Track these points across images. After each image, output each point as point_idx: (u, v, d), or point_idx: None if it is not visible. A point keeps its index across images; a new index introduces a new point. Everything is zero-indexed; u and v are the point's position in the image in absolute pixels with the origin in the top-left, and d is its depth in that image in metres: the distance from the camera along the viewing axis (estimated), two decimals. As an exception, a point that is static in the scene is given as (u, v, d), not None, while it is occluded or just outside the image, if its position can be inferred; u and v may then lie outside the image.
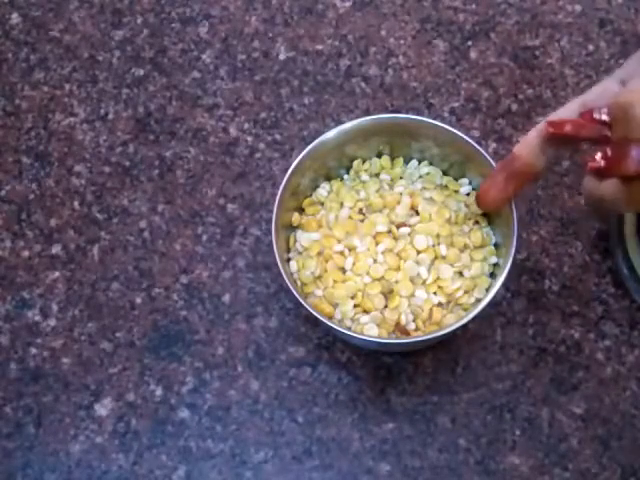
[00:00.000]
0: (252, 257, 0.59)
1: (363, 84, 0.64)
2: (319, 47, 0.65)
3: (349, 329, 0.51)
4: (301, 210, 0.55)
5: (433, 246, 0.53)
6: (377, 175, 0.56)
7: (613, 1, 0.66)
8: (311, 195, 0.56)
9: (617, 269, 0.56)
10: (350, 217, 0.54)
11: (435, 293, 0.52)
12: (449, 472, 0.53)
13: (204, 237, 0.60)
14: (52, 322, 0.58)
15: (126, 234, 0.60)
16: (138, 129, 0.63)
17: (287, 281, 0.50)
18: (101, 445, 0.55)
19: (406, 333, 0.51)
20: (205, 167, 0.62)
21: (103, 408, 0.56)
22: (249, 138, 0.62)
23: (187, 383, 0.56)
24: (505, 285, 0.55)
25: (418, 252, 0.52)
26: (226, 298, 0.58)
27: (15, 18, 0.67)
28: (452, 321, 0.51)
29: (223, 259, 0.59)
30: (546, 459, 0.53)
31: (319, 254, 0.53)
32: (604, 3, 0.66)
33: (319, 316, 0.49)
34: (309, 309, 0.49)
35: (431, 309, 0.51)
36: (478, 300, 0.52)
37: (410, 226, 0.53)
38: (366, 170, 0.56)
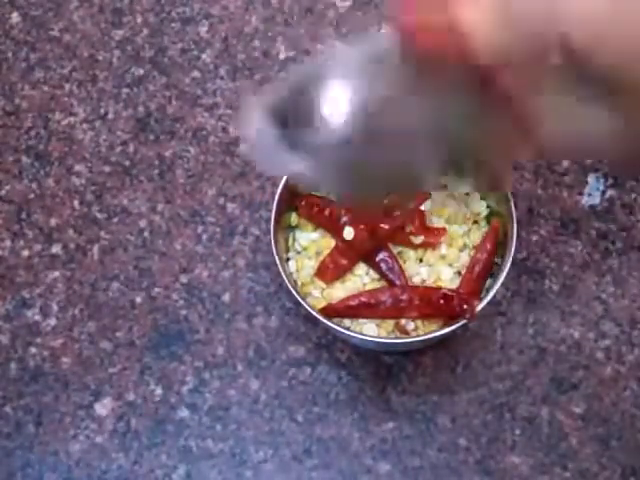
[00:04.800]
0: (252, 257, 0.59)
1: (363, 83, 0.64)
2: (319, 46, 0.65)
3: (348, 329, 0.51)
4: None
5: (433, 246, 0.53)
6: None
7: (613, 0, 0.66)
8: (310, 195, 0.56)
9: None
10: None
11: (435, 293, 0.52)
12: (449, 472, 0.53)
13: (204, 237, 0.60)
14: (52, 322, 0.58)
15: (126, 234, 0.60)
16: (138, 129, 0.63)
17: (286, 281, 0.50)
18: (101, 445, 0.55)
19: (405, 333, 0.51)
20: (205, 167, 0.62)
21: (103, 408, 0.56)
22: (249, 138, 0.62)
23: (187, 383, 0.56)
24: (505, 285, 0.54)
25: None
26: (226, 297, 0.58)
27: (15, 17, 0.67)
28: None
29: (223, 259, 0.59)
30: (546, 458, 0.53)
31: (318, 254, 0.53)
32: (604, 2, 0.66)
33: (319, 316, 0.49)
34: (309, 309, 0.49)
35: (431, 309, 0.51)
36: (478, 300, 0.52)
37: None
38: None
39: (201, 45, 0.66)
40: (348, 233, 0.51)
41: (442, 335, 0.49)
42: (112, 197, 0.61)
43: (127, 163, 0.62)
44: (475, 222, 0.54)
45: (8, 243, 0.60)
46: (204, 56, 0.65)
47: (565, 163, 0.60)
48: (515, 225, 0.50)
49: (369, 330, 0.51)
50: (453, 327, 0.49)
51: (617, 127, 0.35)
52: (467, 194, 0.55)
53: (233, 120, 0.63)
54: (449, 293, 0.49)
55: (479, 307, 0.49)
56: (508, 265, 0.50)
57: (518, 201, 0.51)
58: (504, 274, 0.50)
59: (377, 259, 0.52)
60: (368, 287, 0.52)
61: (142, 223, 0.60)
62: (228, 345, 0.57)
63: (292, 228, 0.55)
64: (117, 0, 0.67)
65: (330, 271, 0.52)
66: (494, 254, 0.52)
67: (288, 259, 0.54)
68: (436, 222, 0.53)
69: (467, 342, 0.56)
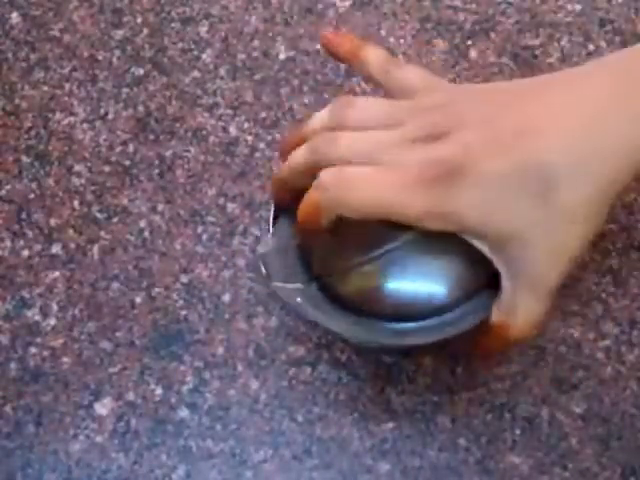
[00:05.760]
0: (252, 256, 0.59)
1: (363, 84, 0.64)
2: (319, 46, 0.65)
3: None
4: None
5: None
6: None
7: (613, 0, 0.66)
8: None
9: None
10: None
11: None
12: (449, 471, 0.53)
13: (204, 236, 0.60)
14: (52, 322, 0.58)
15: (126, 234, 0.60)
16: (138, 128, 0.63)
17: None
18: (101, 444, 0.55)
19: None
20: (205, 166, 0.62)
21: (103, 407, 0.56)
22: (249, 137, 0.62)
23: (187, 382, 0.56)
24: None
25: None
26: (226, 297, 0.58)
27: (15, 17, 0.67)
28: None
29: (223, 258, 0.59)
30: (546, 458, 0.53)
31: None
32: (604, 2, 0.66)
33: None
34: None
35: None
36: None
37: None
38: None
39: (201, 45, 0.66)
40: None
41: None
42: (112, 197, 0.61)
43: (127, 163, 0.62)
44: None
45: (8, 243, 0.60)
46: (204, 56, 0.65)
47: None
48: None
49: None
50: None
51: None
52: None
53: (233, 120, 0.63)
54: None
55: None
56: None
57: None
58: None
59: None
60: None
61: (142, 223, 0.60)
62: (228, 345, 0.57)
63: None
64: (117, 0, 0.68)
65: None
66: None
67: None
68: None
69: (467, 342, 0.56)
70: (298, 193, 0.48)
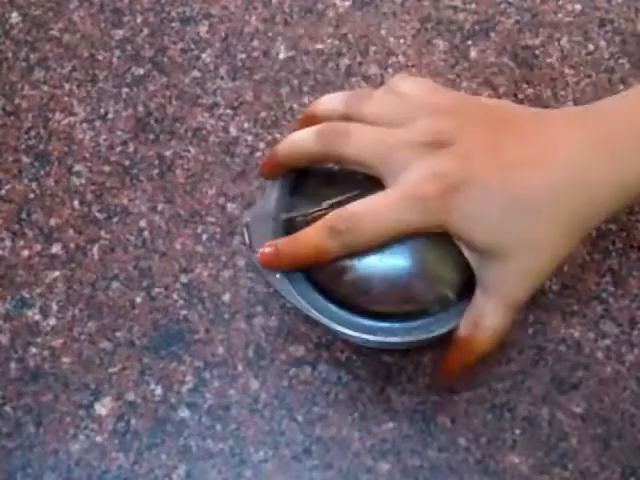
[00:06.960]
0: (252, 256, 0.59)
1: (363, 83, 0.64)
2: (319, 46, 0.65)
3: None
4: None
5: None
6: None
7: (613, 0, 0.66)
8: None
9: None
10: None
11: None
12: (449, 471, 0.53)
13: (204, 236, 0.60)
14: (52, 322, 0.58)
15: (126, 233, 0.60)
16: (138, 128, 0.63)
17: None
18: (101, 444, 0.55)
19: None
20: (205, 166, 0.62)
21: (103, 407, 0.56)
22: (249, 137, 0.62)
23: (187, 382, 0.56)
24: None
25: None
26: (226, 297, 0.58)
27: (15, 17, 0.67)
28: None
29: (223, 258, 0.59)
30: (546, 458, 0.53)
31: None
32: (604, 2, 0.66)
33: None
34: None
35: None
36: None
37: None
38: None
39: (201, 45, 0.66)
40: None
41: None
42: (112, 197, 0.61)
43: (127, 163, 0.62)
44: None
45: (8, 243, 0.60)
46: (204, 56, 0.65)
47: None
48: None
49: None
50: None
51: None
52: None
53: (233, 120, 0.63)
54: None
55: None
56: None
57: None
58: None
59: None
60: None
61: (142, 223, 0.60)
62: (228, 345, 0.57)
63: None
64: (117, 0, 0.67)
65: None
66: None
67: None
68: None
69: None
70: (289, 169, 0.50)
